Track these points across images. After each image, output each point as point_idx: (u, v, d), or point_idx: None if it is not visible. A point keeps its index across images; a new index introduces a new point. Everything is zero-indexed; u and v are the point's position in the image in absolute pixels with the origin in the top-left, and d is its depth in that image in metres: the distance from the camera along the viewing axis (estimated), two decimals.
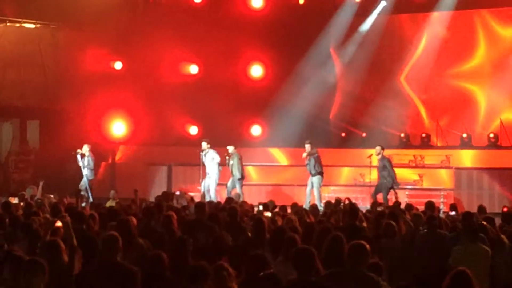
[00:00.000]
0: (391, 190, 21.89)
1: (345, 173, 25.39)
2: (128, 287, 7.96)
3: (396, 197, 21.38)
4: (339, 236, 8.34)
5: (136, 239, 10.19)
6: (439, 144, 26.97)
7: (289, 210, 15.54)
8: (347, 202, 16.92)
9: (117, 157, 27.20)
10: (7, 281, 7.80)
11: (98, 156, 23.86)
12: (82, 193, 22.03)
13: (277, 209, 16.20)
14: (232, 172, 22.55)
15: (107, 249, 8.43)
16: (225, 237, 10.62)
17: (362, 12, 27.89)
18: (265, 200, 17.53)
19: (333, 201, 17.28)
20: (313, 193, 21.95)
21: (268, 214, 12.86)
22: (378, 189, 21.91)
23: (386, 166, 21.80)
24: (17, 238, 10.69)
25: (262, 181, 25.17)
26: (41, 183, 20.94)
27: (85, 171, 22.70)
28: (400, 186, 23.72)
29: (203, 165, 22.71)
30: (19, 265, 7.55)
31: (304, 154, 22.13)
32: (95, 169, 23.22)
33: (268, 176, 25.47)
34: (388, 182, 21.77)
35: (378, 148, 22.03)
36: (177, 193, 21.59)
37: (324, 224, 11.50)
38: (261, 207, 15.74)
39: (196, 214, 12.71)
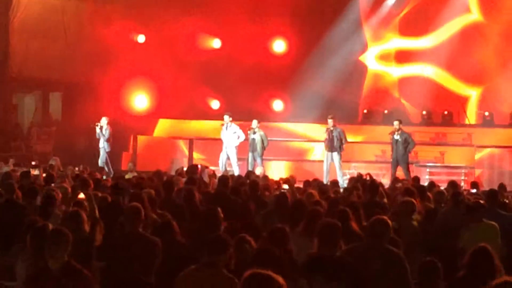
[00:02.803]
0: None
1: (366, 149, 25.31)
2: (149, 258, 8.02)
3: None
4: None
5: (149, 212, 10.14)
6: (461, 122, 26.81)
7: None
8: (368, 178, 16.86)
9: (139, 130, 27.24)
10: (29, 256, 7.82)
11: (120, 129, 23.94)
12: (101, 165, 22.17)
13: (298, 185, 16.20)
14: (253, 146, 22.47)
15: (129, 220, 8.48)
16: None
17: None
18: (286, 176, 17.51)
19: None
20: (335, 170, 21.83)
21: (286, 186, 12.81)
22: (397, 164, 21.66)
23: (409, 141, 21.56)
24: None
25: (284, 156, 25.11)
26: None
27: (102, 144, 22.89)
28: (421, 164, 23.65)
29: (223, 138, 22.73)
30: (41, 237, 7.60)
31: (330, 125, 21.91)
32: (114, 142, 23.34)
33: (290, 152, 25.41)
34: (406, 157, 21.56)
35: (396, 122, 21.87)
36: (198, 167, 21.59)
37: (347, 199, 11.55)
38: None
39: (219, 187, 12.71)
